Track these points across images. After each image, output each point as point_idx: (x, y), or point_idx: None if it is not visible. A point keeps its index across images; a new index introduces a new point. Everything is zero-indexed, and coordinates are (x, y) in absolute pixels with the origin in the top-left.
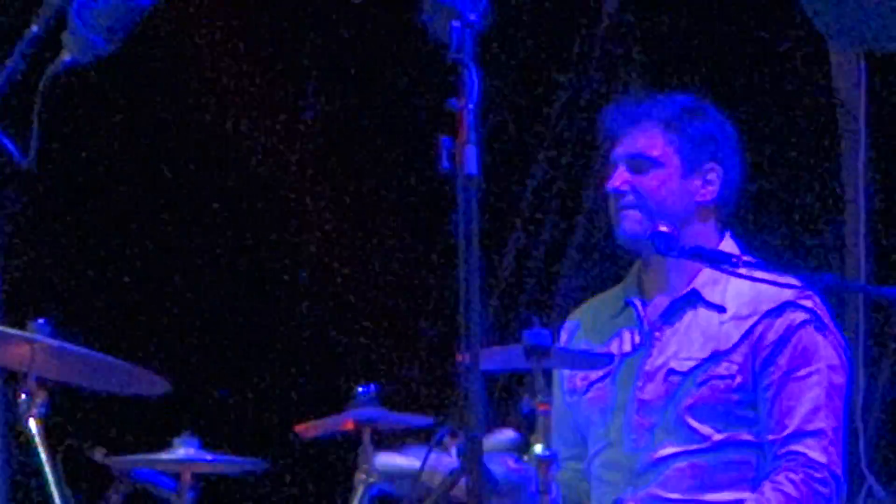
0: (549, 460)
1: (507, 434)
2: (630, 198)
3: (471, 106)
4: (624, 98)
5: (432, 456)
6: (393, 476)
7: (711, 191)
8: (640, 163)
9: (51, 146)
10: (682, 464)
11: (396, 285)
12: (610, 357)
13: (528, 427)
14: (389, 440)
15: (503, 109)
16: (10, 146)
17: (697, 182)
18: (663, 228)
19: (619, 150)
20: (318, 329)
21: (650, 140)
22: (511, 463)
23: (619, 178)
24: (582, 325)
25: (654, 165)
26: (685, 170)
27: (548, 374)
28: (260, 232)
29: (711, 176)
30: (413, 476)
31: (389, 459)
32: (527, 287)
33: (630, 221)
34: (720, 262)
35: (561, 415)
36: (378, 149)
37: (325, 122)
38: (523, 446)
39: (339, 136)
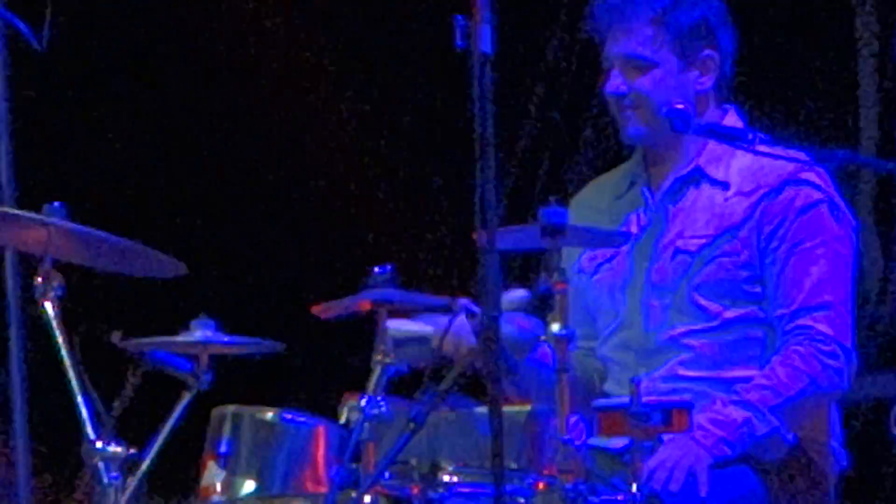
0: (566, 339)
1: (518, 293)
2: (630, 99)
3: None
4: None
5: (443, 320)
6: (405, 342)
7: (709, 77)
8: (634, 63)
9: (64, 29)
10: (693, 342)
11: (412, 165)
12: (626, 235)
13: (544, 305)
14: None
15: None
16: (25, 30)
17: (694, 73)
18: (678, 106)
19: (612, 49)
20: (335, 209)
21: (641, 39)
22: (521, 321)
23: (615, 80)
24: (587, 205)
25: (649, 66)
26: (681, 64)
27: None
28: (274, 110)
29: (709, 63)
30: (425, 340)
31: (401, 325)
32: (542, 165)
33: (633, 123)
34: (734, 137)
35: (570, 295)
36: (393, 28)
37: (340, 4)
38: (530, 306)
39: (353, 14)
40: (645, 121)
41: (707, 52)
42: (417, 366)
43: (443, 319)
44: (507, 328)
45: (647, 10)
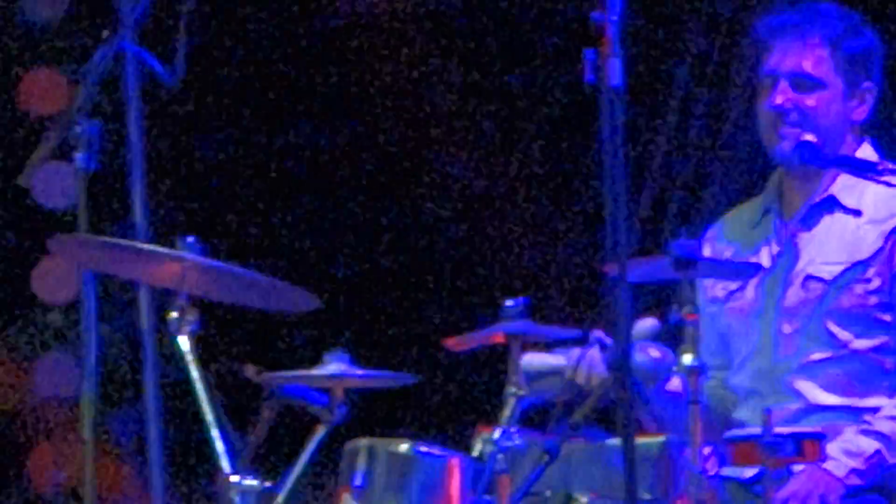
0: (698, 370)
1: (649, 322)
2: (794, 116)
3: (614, 18)
4: (781, 6)
5: (576, 352)
6: (539, 375)
7: (865, 109)
8: (804, 82)
9: (197, 66)
10: (825, 370)
11: (544, 198)
12: (756, 266)
13: (676, 338)
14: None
15: (645, 20)
16: (157, 66)
17: (855, 102)
18: (809, 138)
19: (781, 64)
20: (468, 243)
21: (817, 59)
22: (653, 351)
23: (783, 95)
24: (723, 234)
25: (818, 86)
26: (846, 91)
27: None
28: (406, 144)
29: (867, 94)
30: (558, 373)
31: (535, 358)
32: (673, 198)
33: (791, 141)
34: (864, 169)
35: (704, 324)
36: (523, 62)
37: (471, 37)
38: (661, 336)
39: (485, 50)
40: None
41: (867, 83)
42: (551, 398)
43: (576, 352)
44: (638, 357)
45: (826, 30)
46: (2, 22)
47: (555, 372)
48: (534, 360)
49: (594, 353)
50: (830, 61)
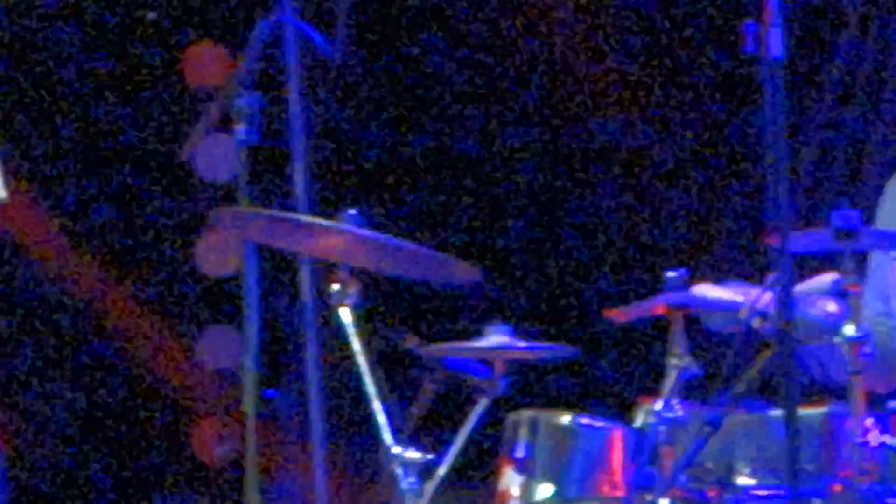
0: (860, 341)
1: (828, 276)
2: None
3: None
4: None
5: (753, 293)
6: (710, 309)
7: None
8: None
9: (359, 38)
10: None
11: (705, 169)
12: None
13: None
14: (699, 325)
15: None
16: (318, 40)
17: None
18: None
19: None
20: (629, 213)
21: None
22: (829, 306)
23: None
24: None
25: None
26: None
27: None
28: (568, 117)
29: None
30: (732, 308)
31: (711, 290)
32: (833, 168)
33: None
34: None
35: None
36: (684, 35)
37: (634, 9)
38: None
39: (649, 18)
40: None
41: None
42: (722, 332)
43: (752, 292)
44: (812, 311)
45: None
46: None
47: (729, 306)
48: (708, 292)
49: (769, 296)
50: None
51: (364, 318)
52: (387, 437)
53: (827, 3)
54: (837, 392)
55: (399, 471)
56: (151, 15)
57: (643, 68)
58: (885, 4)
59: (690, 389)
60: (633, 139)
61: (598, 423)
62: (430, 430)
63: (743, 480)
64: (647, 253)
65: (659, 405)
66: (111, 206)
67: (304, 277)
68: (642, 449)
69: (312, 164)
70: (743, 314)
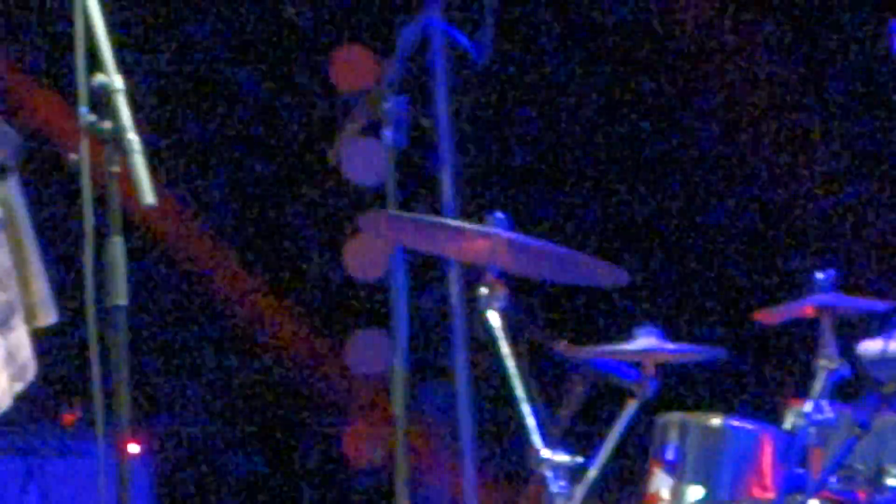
0: None
1: None
2: None
3: None
4: None
5: None
6: (880, 361)
7: None
8: None
9: (503, 42)
10: None
11: (854, 170)
12: None
13: None
14: (847, 326)
15: None
16: (466, 43)
17: None
18: None
19: None
20: (777, 215)
21: None
22: None
23: None
24: None
25: None
26: None
27: None
28: (718, 122)
29: None
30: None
31: (874, 345)
32: None
33: None
34: None
35: None
36: (830, 32)
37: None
38: None
39: (794, 17)
40: None
41: None
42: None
43: None
44: None
45: None
46: None
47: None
48: (875, 347)
49: None
50: None
51: (512, 321)
52: (536, 440)
53: None
54: None
55: (549, 474)
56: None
57: (792, 71)
58: None
59: (840, 390)
60: (782, 139)
61: (748, 426)
62: (579, 433)
63: (893, 482)
64: (796, 254)
65: (808, 407)
66: (260, 210)
67: (452, 281)
68: (792, 451)
69: (460, 167)
70: None
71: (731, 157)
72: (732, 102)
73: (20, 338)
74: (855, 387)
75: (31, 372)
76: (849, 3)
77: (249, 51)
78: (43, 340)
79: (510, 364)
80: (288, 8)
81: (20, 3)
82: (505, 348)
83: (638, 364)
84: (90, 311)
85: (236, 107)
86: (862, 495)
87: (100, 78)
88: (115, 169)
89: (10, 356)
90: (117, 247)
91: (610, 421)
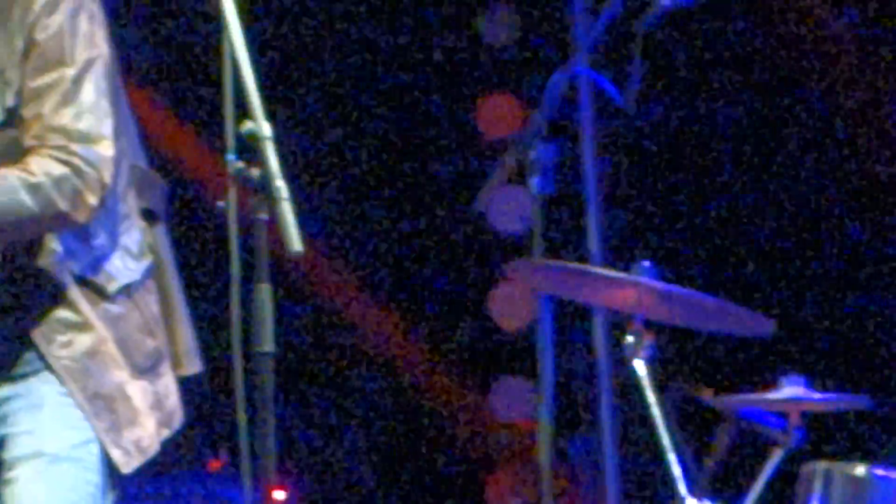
0: None
1: None
2: None
3: None
4: None
5: None
6: None
7: None
8: None
9: (650, 89)
10: None
11: None
12: None
13: None
14: None
15: None
16: (612, 90)
17: None
18: None
19: None
20: None
21: None
22: None
23: None
24: None
25: None
26: None
27: None
28: (862, 167)
29: None
30: None
31: None
32: None
33: None
34: None
35: None
36: None
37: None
38: None
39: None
40: None
41: None
42: None
43: None
44: None
45: None
46: (461, 45)
47: None
48: None
49: None
50: None
51: (658, 369)
52: (682, 488)
53: None
54: None
55: None
56: None
57: None
58: None
59: None
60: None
61: (893, 475)
62: (725, 482)
63: None
64: None
65: None
66: (406, 258)
67: (598, 329)
68: None
69: (606, 215)
70: None
71: (874, 210)
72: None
73: (168, 384)
74: None
75: (178, 419)
76: None
77: (395, 97)
78: (190, 387)
79: (656, 413)
80: (436, 55)
81: (169, 49)
82: (651, 397)
83: (783, 413)
84: (237, 357)
85: (382, 154)
86: None
87: (248, 125)
88: (263, 216)
89: (158, 402)
90: (264, 294)
91: (755, 470)
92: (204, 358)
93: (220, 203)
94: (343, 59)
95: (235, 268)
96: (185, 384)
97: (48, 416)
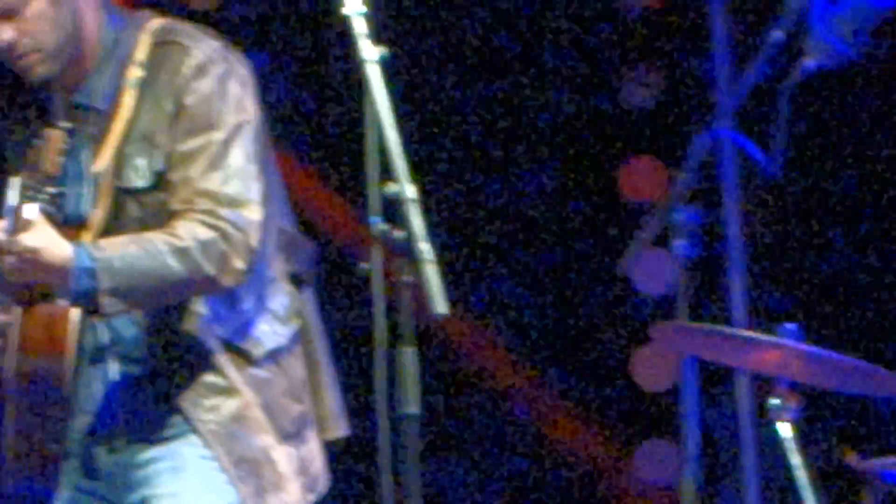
0: None
1: None
2: None
3: None
4: None
5: None
6: None
7: None
8: None
9: (793, 149)
10: None
11: None
12: None
13: None
14: None
15: None
16: (756, 153)
17: None
18: None
19: None
20: None
21: None
22: None
23: None
24: None
25: None
26: None
27: None
28: None
29: None
30: None
31: None
32: None
33: None
34: None
35: None
36: None
37: None
38: None
39: None
40: None
41: None
42: None
43: None
44: None
45: None
46: (603, 108)
47: None
48: None
49: None
50: None
51: (803, 432)
52: None
53: None
54: None
55: None
56: None
57: None
58: None
59: None
60: None
61: None
62: None
63: None
64: None
65: None
66: (549, 318)
67: (742, 391)
68: None
69: (749, 277)
70: None
71: None
72: None
73: (313, 449)
74: None
75: (323, 483)
76: None
77: (537, 160)
78: (335, 451)
79: (801, 475)
80: (578, 118)
81: (313, 112)
82: (796, 459)
83: None
84: (382, 420)
85: (527, 216)
86: None
87: (392, 187)
88: (407, 278)
89: (303, 467)
90: (409, 356)
91: None
92: (349, 421)
93: (364, 265)
94: (486, 122)
95: (380, 330)
96: (330, 447)
97: (191, 479)
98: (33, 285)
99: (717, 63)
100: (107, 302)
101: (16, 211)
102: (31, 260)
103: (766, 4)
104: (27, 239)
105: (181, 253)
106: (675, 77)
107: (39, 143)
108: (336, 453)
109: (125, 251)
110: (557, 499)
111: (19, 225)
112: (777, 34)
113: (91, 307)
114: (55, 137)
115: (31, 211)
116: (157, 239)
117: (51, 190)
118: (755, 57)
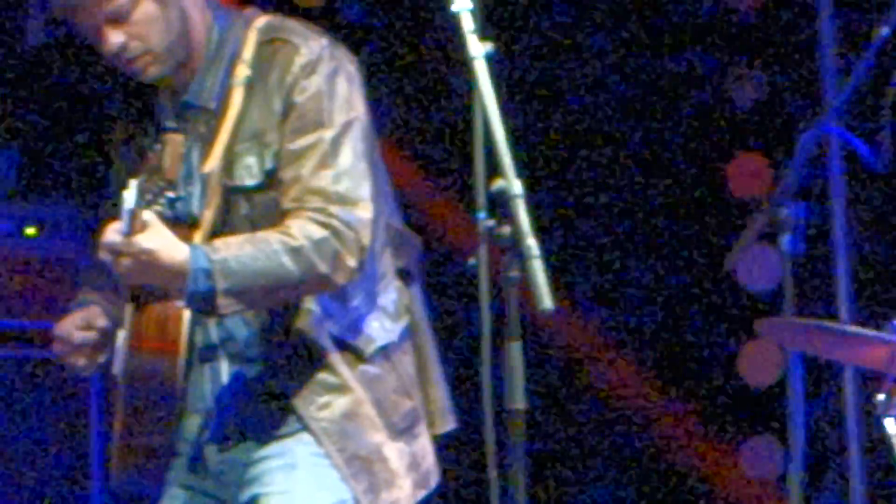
0: None
1: None
2: None
3: None
4: None
5: None
6: None
7: None
8: None
9: None
10: None
11: None
12: None
13: None
14: None
15: None
16: (863, 149)
17: None
18: None
19: None
20: None
21: None
22: None
23: None
24: None
25: None
26: None
27: None
28: None
29: None
30: None
31: None
32: None
33: None
34: None
35: None
36: None
37: None
38: None
39: None
40: None
41: None
42: None
43: None
44: None
45: None
46: (710, 105)
47: None
48: None
49: None
50: None
51: None
52: None
53: None
54: None
55: None
56: None
57: None
58: None
59: None
60: None
61: None
62: None
63: None
64: None
65: None
66: (656, 314)
67: (848, 387)
68: None
69: (856, 273)
70: None
71: None
72: None
73: (424, 445)
74: None
75: (434, 479)
76: None
77: (645, 157)
78: (441, 446)
79: None
80: (685, 115)
81: (421, 109)
82: None
83: None
84: (488, 415)
85: (634, 213)
86: None
87: (499, 183)
88: (514, 274)
89: (415, 463)
90: (516, 351)
91: None
92: (456, 416)
93: (471, 261)
94: (594, 119)
95: (486, 325)
96: (437, 442)
97: (303, 476)
98: (148, 286)
99: (824, 60)
100: (223, 303)
101: (132, 213)
102: (148, 262)
103: (873, 1)
104: (143, 240)
105: (295, 252)
106: (783, 74)
107: (158, 146)
108: (442, 448)
109: (241, 251)
110: (663, 494)
111: (136, 226)
112: (884, 30)
113: (207, 308)
114: (176, 142)
115: (147, 213)
116: (271, 238)
117: (169, 195)
118: (862, 54)
